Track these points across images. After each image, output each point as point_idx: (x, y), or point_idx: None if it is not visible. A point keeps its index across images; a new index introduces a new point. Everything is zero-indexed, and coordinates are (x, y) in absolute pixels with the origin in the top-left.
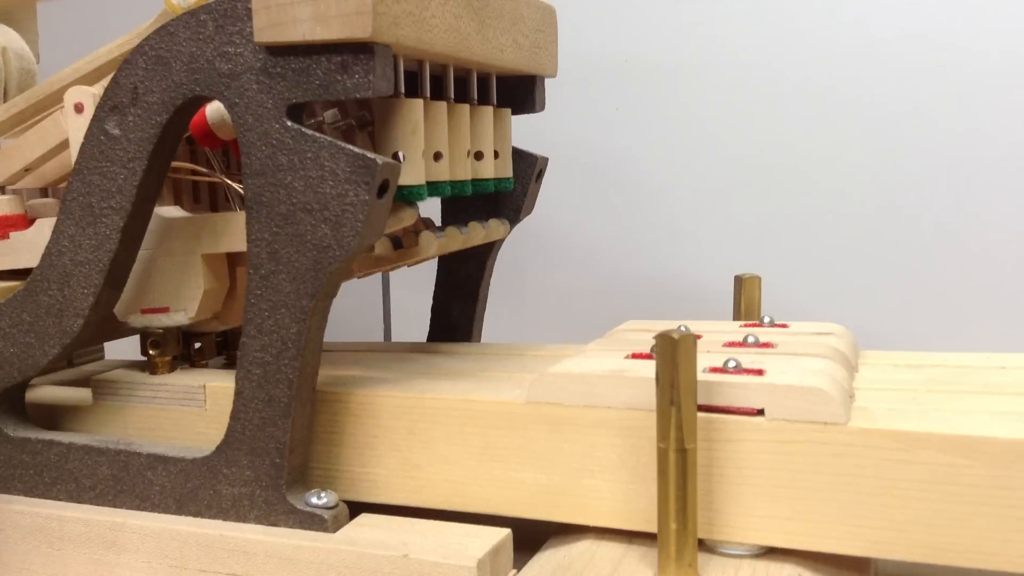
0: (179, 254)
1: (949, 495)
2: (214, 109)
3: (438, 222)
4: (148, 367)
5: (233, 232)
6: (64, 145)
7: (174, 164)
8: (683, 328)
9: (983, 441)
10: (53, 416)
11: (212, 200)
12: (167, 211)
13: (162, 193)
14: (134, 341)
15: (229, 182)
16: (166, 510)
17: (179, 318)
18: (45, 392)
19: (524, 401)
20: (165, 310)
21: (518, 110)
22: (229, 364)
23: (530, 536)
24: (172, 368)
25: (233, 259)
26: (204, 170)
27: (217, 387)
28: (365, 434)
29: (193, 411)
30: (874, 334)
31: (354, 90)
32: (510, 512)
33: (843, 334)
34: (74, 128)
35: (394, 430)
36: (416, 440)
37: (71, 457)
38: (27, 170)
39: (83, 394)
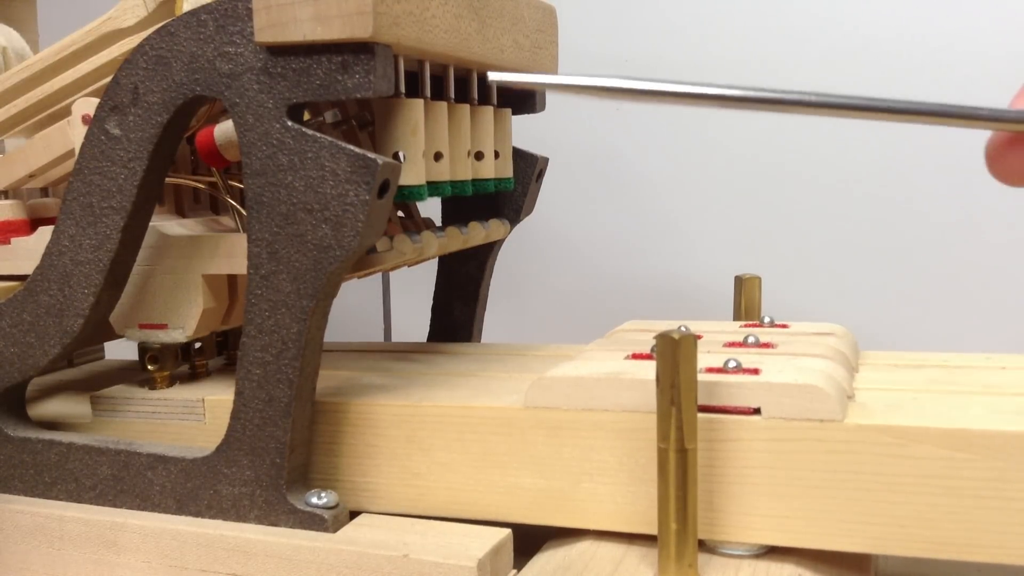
0: (179, 272)
1: (948, 489)
2: (222, 130)
3: (438, 222)
4: (147, 382)
5: (235, 254)
6: (69, 155)
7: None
8: (683, 328)
9: (981, 434)
10: (52, 431)
11: (212, 202)
12: (167, 227)
13: (162, 194)
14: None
15: (234, 203)
16: (166, 510)
17: (176, 335)
18: (45, 408)
19: (522, 406)
20: (163, 327)
21: (518, 110)
22: (229, 364)
23: (529, 538)
24: (171, 383)
25: (234, 276)
26: (204, 186)
27: (216, 401)
28: (364, 443)
29: (193, 425)
30: (874, 334)
31: (354, 90)
32: (510, 518)
33: (843, 334)
34: (80, 139)
35: (393, 439)
36: (415, 448)
37: (71, 457)
38: (31, 176)
39: (83, 410)
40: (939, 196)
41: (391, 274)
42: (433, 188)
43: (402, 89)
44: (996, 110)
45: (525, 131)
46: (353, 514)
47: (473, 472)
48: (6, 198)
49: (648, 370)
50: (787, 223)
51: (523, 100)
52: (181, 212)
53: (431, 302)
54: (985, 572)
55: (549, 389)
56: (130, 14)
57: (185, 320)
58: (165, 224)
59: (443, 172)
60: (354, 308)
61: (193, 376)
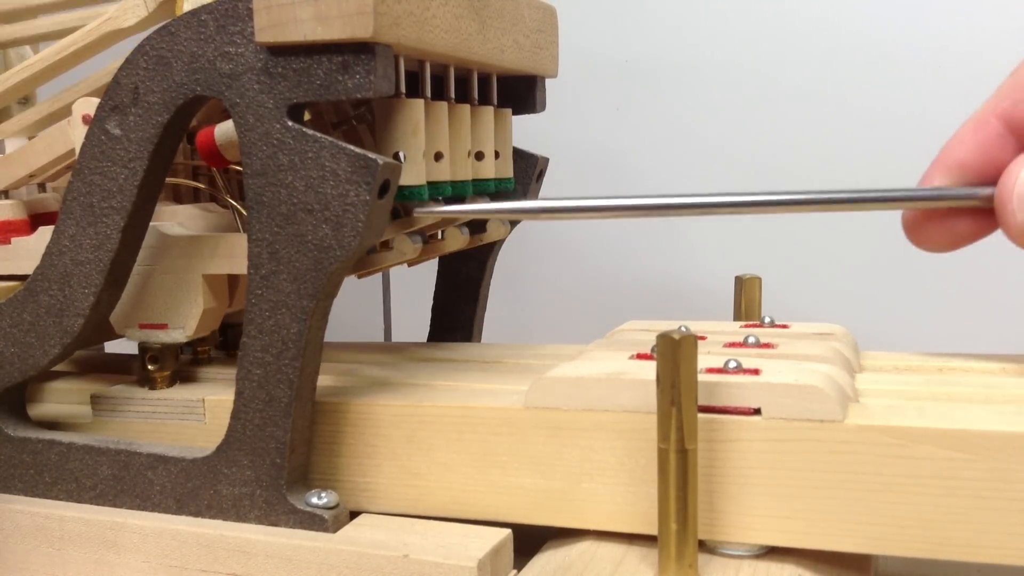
0: (179, 272)
1: (948, 490)
2: (223, 131)
3: None
4: (147, 382)
5: (235, 255)
6: (70, 155)
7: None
8: (684, 328)
9: (981, 435)
10: (52, 431)
11: (212, 200)
12: (167, 227)
13: (161, 192)
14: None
15: (235, 204)
16: (166, 510)
17: (177, 335)
18: (45, 408)
19: (522, 406)
20: (163, 327)
21: (519, 110)
22: (231, 356)
23: (529, 538)
24: (171, 383)
25: (234, 276)
26: (204, 187)
27: (216, 401)
28: (364, 444)
29: (193, 425)
30: (874, 334)
31: (355, 90)
32: (510, 518)
33: (843, 335)
34: (80, 139)
35: (393, 439)
36: (415, 448)
37: (71, 457)
38: (32, 176)
39: (83, 410)
40: None
41: (391, 274)
42: (433, 188)
43: (402, 89)
44: (910, 190)
45: (525, 131)
46: (353, 514)
47: (473, 472)
48: (6, 198)
49: (648, 370)
50: (787, 223)
51: (523, 100)
52: None
53: (431, 302)
54: (985, 572)
55: (549, 389)
56: (130, 14)
57: (185, 320)
58: (165, 224)
59: (443, 172)
60: (354, 308)
61: (195, 361)
